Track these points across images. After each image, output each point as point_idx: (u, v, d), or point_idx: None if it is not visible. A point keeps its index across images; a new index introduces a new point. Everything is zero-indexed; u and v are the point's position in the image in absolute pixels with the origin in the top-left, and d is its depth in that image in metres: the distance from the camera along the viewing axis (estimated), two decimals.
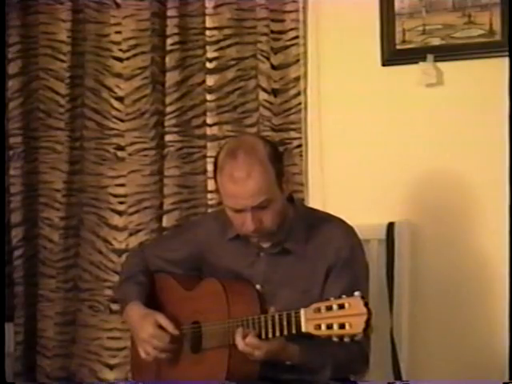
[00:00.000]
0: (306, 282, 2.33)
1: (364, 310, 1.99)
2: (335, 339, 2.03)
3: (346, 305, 2.01)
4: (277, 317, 2.16)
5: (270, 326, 2.17)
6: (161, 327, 2.38)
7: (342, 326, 2.01)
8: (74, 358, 3.41)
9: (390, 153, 2.95)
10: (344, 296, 2.03)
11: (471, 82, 2.86)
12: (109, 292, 3.32)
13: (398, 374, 2.69)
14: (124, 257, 3.12)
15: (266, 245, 2.38)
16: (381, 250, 2.78)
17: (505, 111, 2.71)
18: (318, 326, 2.05)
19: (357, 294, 2.02)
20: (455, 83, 2.88)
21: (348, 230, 2.39)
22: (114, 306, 3.27)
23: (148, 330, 2.38)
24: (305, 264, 2.34)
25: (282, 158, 2.37)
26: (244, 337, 2.17)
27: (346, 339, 2.01)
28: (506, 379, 2.59)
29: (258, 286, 2.36)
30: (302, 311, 2.09)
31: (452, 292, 2.88)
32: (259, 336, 2.18)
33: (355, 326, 1.99)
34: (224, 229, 2.44)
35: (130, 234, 3.26)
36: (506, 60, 2.73)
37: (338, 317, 2.02)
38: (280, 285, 2.34)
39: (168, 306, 2.46)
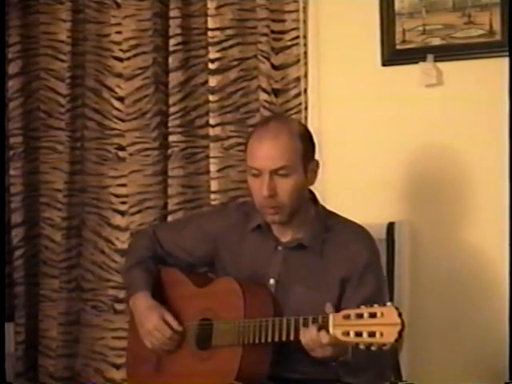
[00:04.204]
0: (319, 280, 2.32)
1: (398, 320, 1.98)
2: (362, 347, 2.01)
3: (379, 314, 2.00)
4: (301, 320, 2.16)
5: (292, 329, 2.17)
6: (165, 322, 2.40)
7: (372, 335, 1.99)
8: (78, 357, 3.42)
9: (389, 153, 2.95)
10: (376, 305, 2.02)
11: (471, 81, 2.86)
12: (112, 292, 3.33)
13: (398, 374, 2.69)
14: None
15: (284, 239, 2.39)
16: (381, 250, 2.77)
17: (505, 111, 2.72)
18: (347, 333, 2.03)
19: (389, 304, 2.01)
20: (455, 83, 2.88)
21: (366, 236, 2.39)
22: (119, 306, 3.29)
23: (153, 321, 2.40)
24: (320, 262, 2.34)
25: (313, 144, 2.39)
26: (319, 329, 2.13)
27: (374, 348, 2.00)
28: (506, 379, 2.59)
29: (272, 281, 2.37)
30: (331, 316, 2.08)
31: (452, 291, 2.88)
32: (282, 338, 2.20)
33: (387, 335, 1.97)
34: (246, 219, 2.45)
35: (132, 234, 3.25)
36: (506, 60, 2.73)
37: (368, 325, 2.00)
38: (294, 280, 2.35)
39: (176, 301, 2.47)
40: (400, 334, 1.98)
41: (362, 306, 2.04)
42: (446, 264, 2.88)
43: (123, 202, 3.33)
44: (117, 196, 3.35)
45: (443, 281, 2.89)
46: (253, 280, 2.38)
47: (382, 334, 1.98)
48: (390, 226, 2.80)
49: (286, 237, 2.40)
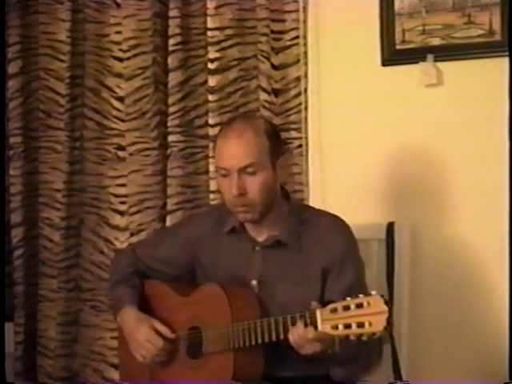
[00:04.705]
0: (300, 275, 2.32)
1: (385, 308, 1.99)
2: (352, 338, 2.02)
3: (365, 304, 2.01)
4: (289, 318, 2.15)
5: (281, 329, 2.17)
6: (156, 332, 2.39)
7: (360, 325, 2.00)
8: (76, 357, 3.42)
9: (389, 153, 2.95)
10: (361, 295, 2.03)
11: (471, 81, 2.85)
12: None
13: (398, 374, 2.68)
14: None
15: (260, 238, 2.39)
16: (381, 250, 2.77)
17: (505, 111, 2.71)
18: (336, 327, 2.03)
19: (374, 292, 2.02)
20: (455, 83, 2.88)
21: (341, 224, 2.38)
22: None
23: (144, 332, 2.39)
24: (299, 257, 2.34)
25: (279, 139, 2.39)
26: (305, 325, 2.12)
27: (364, 338, 2.01)
28: (506, 379, 2.59)
29: (254, 282, 2.36)
30: (318, 312, 2.08)
31: (452, 292, 2.88)
32: (272, 338, 2.19)
33: (376, 324, 1.99)
34: (221, 223, 2.45)
35: (132, 234, 3.26)
36: (506, 60, 2.73)
37: (356, 316, 2.01)
38: (276, 279, 2.34)
39: (162, 313, 2.45)
40: (388, 321, 1.98)
41: (348, 298, 2.04)
42: (445, 264, 2.88)
43: (122, 202, 3.32)
44: (116, 196, 3.35)
45: (443, 281, 2.89)
46: (235, 283, 2.37)
47: (370, 324, 1.99)
48: (390, 226, 2.80)
49: (261, 236, 2.39)
